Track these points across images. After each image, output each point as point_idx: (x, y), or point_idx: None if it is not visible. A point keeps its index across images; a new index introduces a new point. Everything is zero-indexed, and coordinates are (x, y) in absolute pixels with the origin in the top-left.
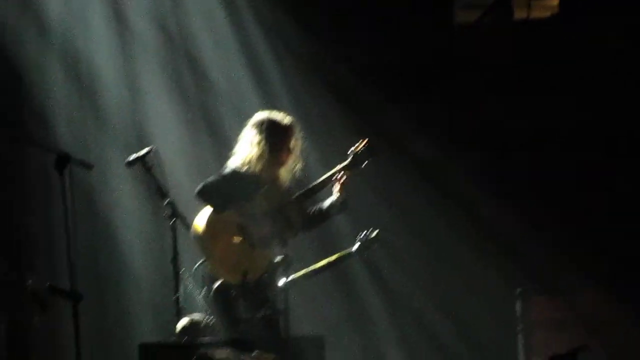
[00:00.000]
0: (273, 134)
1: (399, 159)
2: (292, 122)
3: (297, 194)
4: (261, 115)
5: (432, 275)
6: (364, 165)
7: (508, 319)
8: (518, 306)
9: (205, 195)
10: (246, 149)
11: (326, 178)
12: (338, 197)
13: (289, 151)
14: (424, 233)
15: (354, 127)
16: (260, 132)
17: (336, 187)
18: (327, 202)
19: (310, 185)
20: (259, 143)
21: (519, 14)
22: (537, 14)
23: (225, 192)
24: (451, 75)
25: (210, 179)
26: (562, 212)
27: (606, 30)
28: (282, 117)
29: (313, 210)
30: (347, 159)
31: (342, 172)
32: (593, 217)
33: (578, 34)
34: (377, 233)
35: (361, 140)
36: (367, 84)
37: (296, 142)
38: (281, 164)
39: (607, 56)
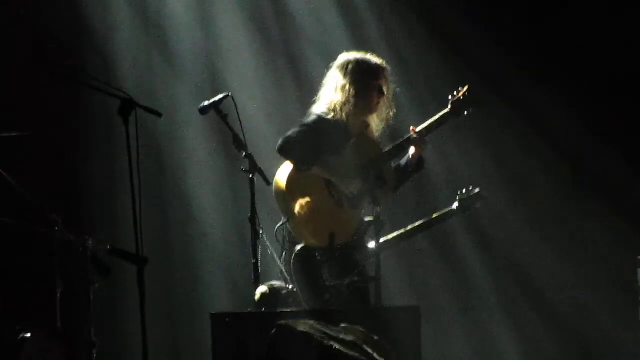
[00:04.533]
0: (360, 76)
1: (504, 108)
2: (381, 63)
3: (390, 146)
4: (346, 56)
5: (543, 241)
6: (465, 114)
7: (628, 288)
8: (639, 274)
9: (288, 151)
10: (330, 94)
11: (423, 129)
12: (414, 154)
13: (379, 96)
14: (533, 194)
15: (455, 74)
16: (346, 74)
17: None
18: (404, 160)
19: (405, 137)
20: (344, 87)
21: None
22: None
23: (310, 144)
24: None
25: (292, 130)
26: None
27: None
28: (370, 58)
29: (395, 166)
30: (446, 108)
31: (440, 121)
32: None
33: None
34: (480, 190)
35: (462, 87)
36: (470, 27)
37: (387, 86)
38: (371, 110)
39: None
